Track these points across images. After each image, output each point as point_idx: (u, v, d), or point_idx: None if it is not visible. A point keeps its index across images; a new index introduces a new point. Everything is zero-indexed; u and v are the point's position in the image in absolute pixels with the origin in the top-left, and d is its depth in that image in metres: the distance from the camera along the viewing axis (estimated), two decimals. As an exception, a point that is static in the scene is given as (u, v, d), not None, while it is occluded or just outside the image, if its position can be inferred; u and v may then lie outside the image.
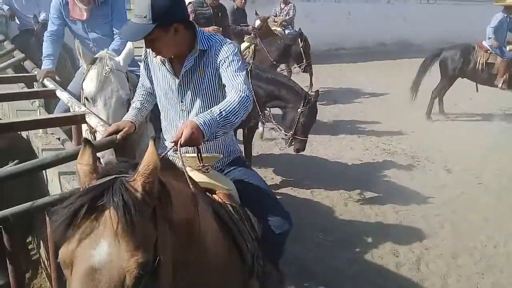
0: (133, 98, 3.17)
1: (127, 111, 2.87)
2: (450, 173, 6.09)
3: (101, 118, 2.88)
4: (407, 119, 8.17)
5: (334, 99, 9.56)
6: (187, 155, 2.05)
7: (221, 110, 1.94)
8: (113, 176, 1.33)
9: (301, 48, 7.33)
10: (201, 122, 1.85)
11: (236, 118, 1.98)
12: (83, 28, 4.12)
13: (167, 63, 2.27)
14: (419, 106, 8.53)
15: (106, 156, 2.98)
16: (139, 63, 2.93)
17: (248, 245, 2.03)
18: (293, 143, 5.08)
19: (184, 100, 2.30)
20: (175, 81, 2.27)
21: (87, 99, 3.10)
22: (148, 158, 1.36)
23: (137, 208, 1.26)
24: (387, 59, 13.87)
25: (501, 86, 8.17)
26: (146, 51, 2.38)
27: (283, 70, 7.98)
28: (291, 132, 5.03)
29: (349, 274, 3.81)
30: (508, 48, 8.20)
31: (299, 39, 7.32)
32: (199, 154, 1.96)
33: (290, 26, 9.53)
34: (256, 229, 2.27)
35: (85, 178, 1.37)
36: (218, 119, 1.91)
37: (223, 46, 2.21)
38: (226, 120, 1.94)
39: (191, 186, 1.64)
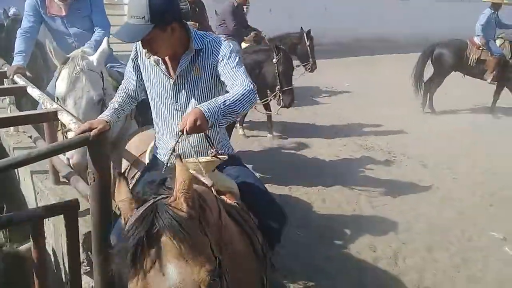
0: (106, 98, 3.14)
1: (100, 112, 2.83)
2: (425, 168, 6.18)
3: (74, 116, 2.81)
4: (384, 115, 8.25)
5: (311, 95, 9.59)
6: (190, 160, 2.00)
7: (225, 99, 1.96)
8: (151, 202, 1.43)
9: (308, 47, 7.30)
10: (205, 109, 1.87)
11: (240, 108, 2.00)
12: (62, 24, 4.05)
13: (161, 64, 2.26)
14: (396, 102, 8.63)
15: (75, 157, 2.92)
16: (121, 61, 2.88)
17: (259, 240, 2.09)
18: (282, 98, 5.29)
19: (178, 100, 2.30)
20: (169, 81, 2.27)
21: (58, 99, 3.09)
22: (182, 174, 1.45)
23: (188, 224, 1.38)
24: (363, 55, 13.99)
25: (490, 81, 8.49)
26: (136, 52, 2.38)
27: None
28: (278, 87, 5.41)
29: (328, 270, 3.82)
30: (497, 42, 8.48)
31: (306, 37, 7.26)
32: (208, 139, 2.00)
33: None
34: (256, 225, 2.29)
35: (127, 211, 1.45)
36: (222, 107, 1.92)
37: (219, 45, 2.22)
38: (230, 109, 1.95)
39: (212, 190, 1.80)
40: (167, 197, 1.46)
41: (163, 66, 2.26)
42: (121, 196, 1.48)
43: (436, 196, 5.36)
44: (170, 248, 1.34)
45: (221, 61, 2.20)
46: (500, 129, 7.88)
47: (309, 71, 7.61)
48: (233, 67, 2.17)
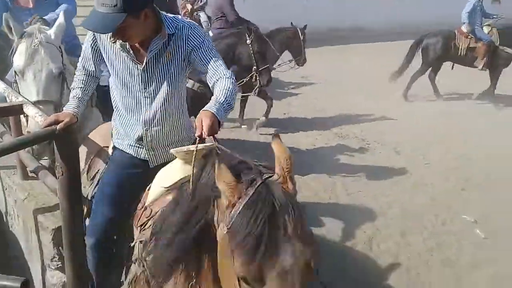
0: (65, 72, 3.07)
1: (61, 86, 2.78)
2: (399, 155, 6.25)
3: (40, 108, 2.74)
4: (359, 104, 8.30)
5: (286, 86, 9.58)
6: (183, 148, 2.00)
7: (225, 97, 1.98)
8: (260, 182, 1.41)
9: (302, 42, 7.29)
10: (215, 111, 1.86)
11: (233, 101, 2.04)
12: (30, 16, 3.95)
13: (128, 49, 2.16)
14: (370, 91, 8.70)
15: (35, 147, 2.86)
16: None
17: None
18: (259, 78, 5.56)
19: (147, 87, 2.22)
20: (137, 67, 2.18)
21: (16, 73, 3.04)
22: (285, 153, 1.50)
23: (300, 205, 1.40)
24: (339, 44, 14.03)
25: (482, 68, 8.62)
26: (93, 35, 2.24)
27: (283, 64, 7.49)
28: (254, 67, 5.56)
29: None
30: (485, 30, 8.64)
31: (300, 33, 7.25)
32: (216, 142, 1.91)
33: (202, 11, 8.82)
34: None
35: (235, 193, 1.41)
36: (225, 106, 1.95)
37: (194, 30, 2.17)
38: (229, 105, 1.99)
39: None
40: (270, 176, 1.46)
41: (131, 52, 2.17)
42: (225, 178, 1.43)
43: (409, 182, 5.43)
44: (290, 230, 1.34)
45: (197, 48, 2.15)
46: (477, 115, 8.02)
47: (300, 65, 7.58)
48: (212, 57, 2.15)
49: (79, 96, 2.37)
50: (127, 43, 2.14)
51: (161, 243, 1.74)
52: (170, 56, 2.17)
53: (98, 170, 2.58)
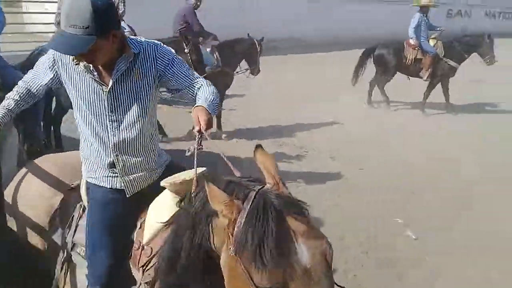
0: None
1: None
2: (334, 161, 6.47)
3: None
4: (296, 112, 8.51)
5: (224, 95, 9.59)
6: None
7: (212, 97, 2.03)
8: (254, 194, 1.42)
9: (258, 53, 7.54)
10: (206, 107, 1.93)
11: (217, 103, 2.08)
12: None
13: (92, 70, 2.02)
14: (306, 100, 8.93)
15: None
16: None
17: None
18: None
19: (114, 110, 2.07)
20: (103, 89, 2.04)
21: None
22: (272, 160, 1.59)
23: (300, 203, 1.48)
24: (274, 54, 14.29)
25: (426, 79, 9.29)
26: (53, 57, 2.08)
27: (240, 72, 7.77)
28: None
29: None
30: (431, 43, 9.26)
31: (257, 44, 7.49)
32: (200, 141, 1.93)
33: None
34: None
35: (232, 210, 1.41)
36: (214, 104, 2.01)
37: (161, 48, 2.10)
38: (216, 106, 2.03)
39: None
40: (262, 186, 1.48)
41: (95, 73, 2.02)
42: (219, 198, 1.42)
43: (344, 187, 5.63)
44: (301, 229, 1.37)
45: (170, 66, 2.09)
46: (416, 123, 8.54)
47: (255, 75, 7.85)
48: (186, 70, 2.12)
49: (11, 107, 2.19)
50: (91, 66, 2.01)
51: (170, 282, 1.73)
52: (139, 77, 2.06)
53: (73, 217, 2.36)
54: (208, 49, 7.09)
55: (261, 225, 1.33)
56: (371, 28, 15.99)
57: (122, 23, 8.25)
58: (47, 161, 2.62)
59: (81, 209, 2.35)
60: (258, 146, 1.62)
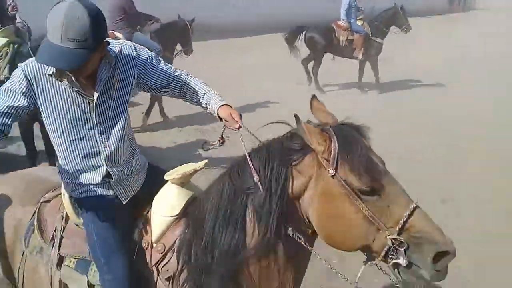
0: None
1: None
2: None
3: None
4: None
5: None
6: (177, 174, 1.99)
7: (210, 88, 2.15)
8: (334, 127, 1.71)
9: (190, 33, 7.81)
10: (225, 102, 2.07)
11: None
12: None
13: (76, 85, 1.83)
14: (231, 83, 8.83)
15: None
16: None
17: None
18: None
19: (103, 121, 1.92)
20: (89, 101, 1.87)
21: None
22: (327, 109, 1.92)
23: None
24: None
25: (360, 58, 9.55)
26: (27, 79, 1.82)
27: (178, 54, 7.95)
28: None
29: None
30: (358, 23, 9.51)
31: (188, 25, 7.75)
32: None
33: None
34: None
35: (327, 137, 1.67)
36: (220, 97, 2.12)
37: (135, 48, 2.00)
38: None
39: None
40: (340, 123, 1.80)
41: (79, 86, 1.84)
42: (315, 131, 1.67)
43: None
44: (370, 147, 1.74)
45: (148, 64, 2.01)
46: (357, 104, 8.54)
47: (188, 55, 7.99)
48: (164, 65, 2.07)
49: None
50: (73, 78, 1.82)
51: (199, 270, 1.78)
52: (120, 81, 1.94)
53: (56, 228, 2.16)
54: (147, 36, 7.18)
55: (355, 145, 1.64)
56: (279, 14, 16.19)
57: (18, 18, 7.76)
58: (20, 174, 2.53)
59: (63, 221, 2.16)
60: (314, 96, 1.90)
